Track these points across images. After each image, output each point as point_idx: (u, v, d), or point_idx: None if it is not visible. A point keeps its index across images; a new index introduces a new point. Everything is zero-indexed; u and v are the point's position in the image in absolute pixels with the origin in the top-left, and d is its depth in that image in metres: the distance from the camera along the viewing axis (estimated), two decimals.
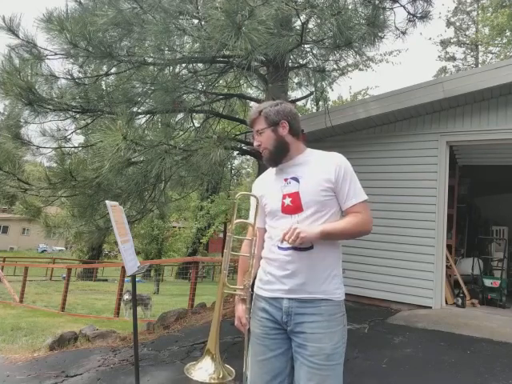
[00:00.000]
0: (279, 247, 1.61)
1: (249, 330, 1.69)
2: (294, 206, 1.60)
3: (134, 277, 2.42)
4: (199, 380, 1.45)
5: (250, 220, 1.70)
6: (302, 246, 1.54)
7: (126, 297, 7.83)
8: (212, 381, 1.44)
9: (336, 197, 1.63)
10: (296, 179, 1.64)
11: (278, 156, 1.67)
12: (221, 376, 1.46)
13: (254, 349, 1.66)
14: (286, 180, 1.66)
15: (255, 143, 1.70)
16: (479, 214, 7.75)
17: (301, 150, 1.71)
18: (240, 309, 1.71)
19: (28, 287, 11.59)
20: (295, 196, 1.61)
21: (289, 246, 1.54)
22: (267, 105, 1.72)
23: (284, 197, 1.63)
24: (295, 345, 1.57)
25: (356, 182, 1.64)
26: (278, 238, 1.59)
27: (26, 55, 4.12)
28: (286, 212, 1.62)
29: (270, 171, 1.79)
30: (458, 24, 20.72)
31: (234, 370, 1.52)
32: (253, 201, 1.74)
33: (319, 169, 1.62)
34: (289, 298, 1.57)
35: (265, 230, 1.74)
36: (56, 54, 4.09)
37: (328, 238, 1.56)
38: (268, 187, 1.73)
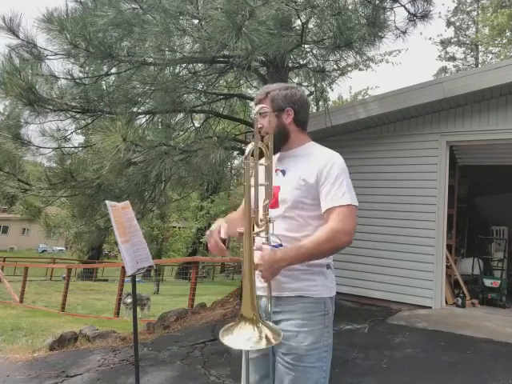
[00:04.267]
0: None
1: None
2: (273, 200, 1.50)
3: (134, 277, 2.42)
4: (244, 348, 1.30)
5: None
6: (272, 244, 1.45)
7: (129, 300, 7.81)
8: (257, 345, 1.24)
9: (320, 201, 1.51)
10: (283, 172, 1.57)
11: (277, 144, 1.55)
12: (270, 337, 1.25)
13: None
14: (276, 170, 1.57)
15: (257, 124, 1.54)
16: (479, 214, 7.75)
17: (301, 141, 1.61)
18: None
19: (28, 287, 11.58)
20: (276, 190, 1.52)
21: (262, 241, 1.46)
22: (276, 87, 1.62)
23: None
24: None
25: (341, 186, 1.47)
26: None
27: (27, 55, 4.12)
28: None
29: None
30: (458, 24, 20.73)
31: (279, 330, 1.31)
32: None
33: (305, 165, 1.52)
34: (265, 296, 1.50)
35: None
36: (56, 54, 4.10)
37: (293, 263, 1.41)
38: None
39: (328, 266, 1.53)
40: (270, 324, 1.35)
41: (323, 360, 1.46)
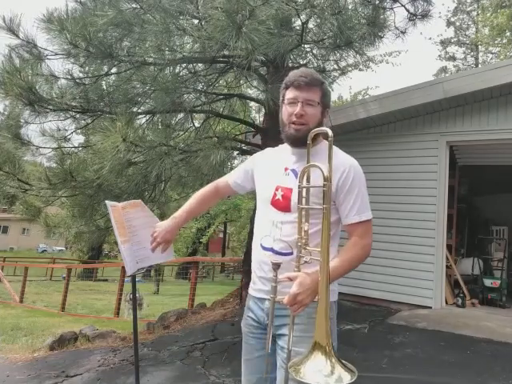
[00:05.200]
0: (261, 245, 1.47)
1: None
2: (283, 203, 1.42)
3: (134, 277, 2.42)
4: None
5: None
6: (281, 251, 1.41)
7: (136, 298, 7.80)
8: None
9: (336, 207, 1.43)
10: (295, 173, 1.43)
11: (306, 140, 1.36)
12: (346, 377, 1.10)
13: (242, 348, 1.60)
14: (286, 169, 1.46)
15: (299, 110, 1.39)
16: (479, 214, 7.75)
17: (318, 141, 1.46)
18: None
19: (28, 287, 11.58)
20: (288, 192, 1.42)
21: (269, 246, 1.43)
22: (324, 82, 1.49)
23: (277, 188, 1.45)
24: (277, 347, 1.47)
25: (364, 198, 1.41)
26: (262, 237, 1.47)
27: (27, 55, 4.12)
28: (274, 205, 1.45)
29: (277, 150, 1.60)
30: (458, 24, 20.74)
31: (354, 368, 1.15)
32: (248, 165, 1.65)
33: (323, 169, 1.34)
34: (269, 299, 1.41)
35: (231, 189, 1.73)
36: (56, 54, 4.10)
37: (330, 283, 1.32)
38: (266, 168, 1.56)
39: None
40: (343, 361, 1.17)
41: None
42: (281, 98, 1.51)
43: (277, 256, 1.41)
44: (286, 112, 1.45)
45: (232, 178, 1.71)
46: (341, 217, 1.44)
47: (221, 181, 1.77)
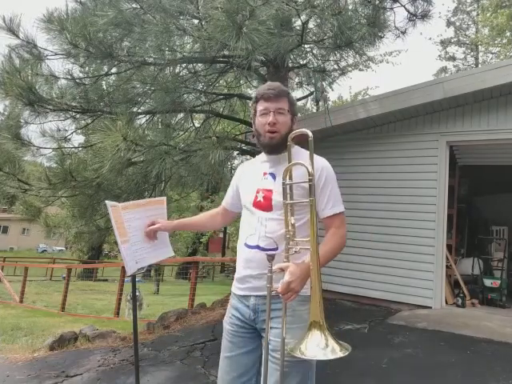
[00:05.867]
0: (246, 244, 1.60)
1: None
2: (264, 204, 1.57)
3: (133, 277, 2.42)
4: (315, 358, 1.33)
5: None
6: (267, 247, 1.54)
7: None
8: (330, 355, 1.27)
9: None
10: (273, 176, 1.59)
11: (281, 146, 1.55)
12: (337, 349, 1.29)
13: (223, 345, 1.68)
14: (264, 174, 1.62)
15: (271, 119, 1.54)
16: (479, 214, 7.75)
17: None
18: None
19: (28, 287, 11.58)
20: (268, 193, 1.57)
21: (254, 244, 1.55)
22: (290, 92, 1.65)
23: (258, 191, 1.60)
24: (264, 341, 1.54)
25: (337, 193, 1.59)
26: (247, 236, 1.60)
27: (26, 55, 4.12)
28: (256, 207, 1.59)
29: (254, 161, 1.77)
30: (458, 24, 20.74)
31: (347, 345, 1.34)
32: (233, 183, 1.83)
33: (299, 171, 1.49)
34: (255, 296, 1.57)
35: (228, 211, 1.90)
36: (56, 54, 4.10)
37: None
38: (247, 178, 1.72)
39: None
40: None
41: None
42: (252, 112, 1.67)
43: (262, 253, 1.52)
44: (259, 123, 1.60)
45: (225, 200, 1.90)
46: (318, 212, 1.56)
47: (219, 207, 1.97)
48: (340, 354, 1.28)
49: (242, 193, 1.71)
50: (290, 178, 1.48)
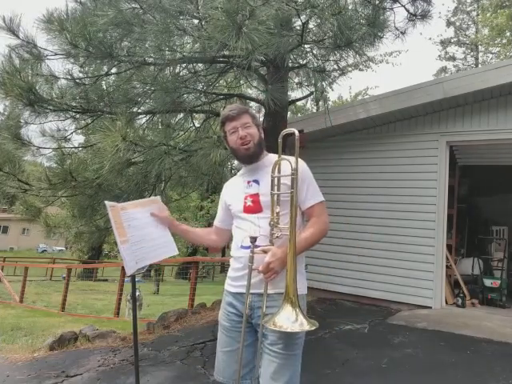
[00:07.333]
0: (242, 246, 1.72)
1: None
2: (254, 207, 1.72)
3: (133, 277, 2.42)
4: (287, 330, 1.47)
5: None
6: (262, 243, 1.66)
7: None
8: (297, 328, 1.45)
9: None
10: (257, 181, 1.76)
11: (257, 153, 1.77)
12: (306, 324, 1.45)
13: (221, 340, 1.81)
14: (248, 182, 1.79)
15: (241, 133, 1.73)
16: (479, 214, 7.75)
17: (264, 153, 1.83)
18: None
19: (28, 287, 11.58)
20: (255, 197, 1.73)
21: (249, 245, 1.64)
22: (249, 108, 1.87)
23: (246, 198, 1.75)
24: (260, 335, 1.66)
25: (315, 186, 1.76)
26: (242, 239, 1.72)
27: (27, 55, 4.12)
28: (247, 212, 1.74)
29: (235, 178, 1.94)
30: (458, 24, 20.73)
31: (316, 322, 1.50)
32: (221, 201, 1.96)
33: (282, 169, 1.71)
34: (252, 293, 1.67)
35: (220, 229, 1.99)
36: (56, 55, 4.09)
37: (297, 254, 1.61)
38: (233, 190, 1.87)
39: (306, 267, 1.80)
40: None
41: (300, 348, 1.67)
42: (223, 135, 1.86)
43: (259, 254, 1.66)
44: (231, 141, 1.79)
45: (216, 219, 2.01)
46: (299, 205, 1.72)
47: (212, 227, 2.07)
48: (307, 328, 1.45)
49: (232, 205, 1.84)
50: (279, 172, 1.66)
